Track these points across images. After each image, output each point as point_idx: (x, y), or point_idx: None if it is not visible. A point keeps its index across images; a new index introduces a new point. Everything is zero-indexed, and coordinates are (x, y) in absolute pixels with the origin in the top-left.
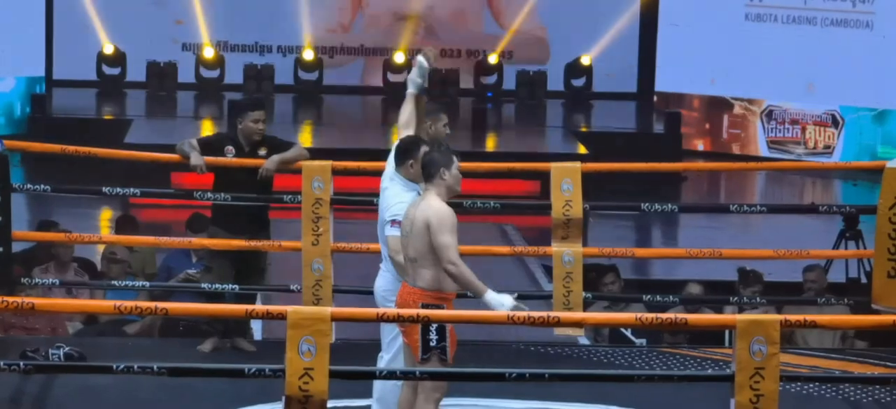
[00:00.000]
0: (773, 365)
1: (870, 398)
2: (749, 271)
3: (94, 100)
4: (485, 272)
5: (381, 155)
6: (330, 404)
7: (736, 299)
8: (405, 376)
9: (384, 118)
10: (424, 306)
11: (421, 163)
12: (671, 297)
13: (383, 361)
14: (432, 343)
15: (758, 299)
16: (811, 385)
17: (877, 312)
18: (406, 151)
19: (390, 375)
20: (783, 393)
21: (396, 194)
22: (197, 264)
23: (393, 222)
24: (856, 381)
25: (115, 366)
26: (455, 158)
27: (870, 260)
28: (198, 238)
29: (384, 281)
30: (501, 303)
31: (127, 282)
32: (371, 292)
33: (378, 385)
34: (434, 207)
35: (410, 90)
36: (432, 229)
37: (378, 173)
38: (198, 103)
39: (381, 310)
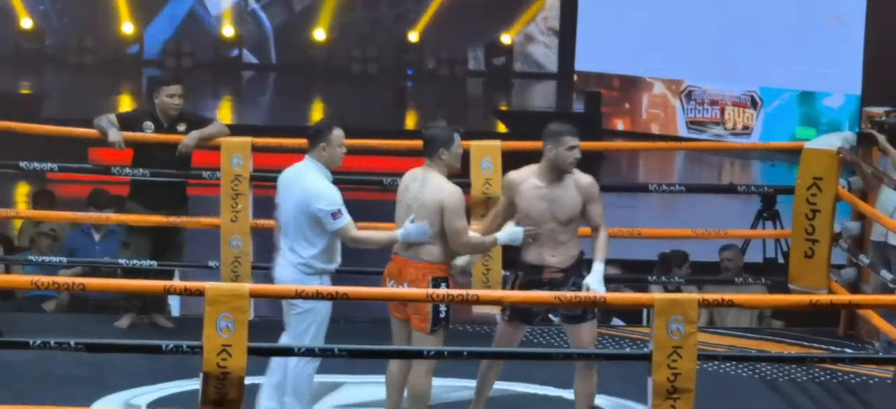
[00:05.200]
0: (691, 344)
1: (786, 378)
2: (675, 252)
3: (11, 75)
4: None
5: (301, 132)
6: (248, 380)
7: (654, 278)
8: (324, 353)
9: (304, 95)
10: (434, 279)
11: (424, 139)
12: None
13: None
14: (442, 315)
15: (677, 279)
16: (728, 364)
17: (793, 291)
18: (319, 133)
19: (309, 351)
20: (700, 372)
21: (315, 181)
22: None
23: (335, 213)
24: (772, 360)
25: (31, 342)
26: (457, 137)
27: (787, 240)
28: (115, 214)
29: (286, 274)
30: (514, 236)
31: (45, 258)
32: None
33: (291, 378)
34: (446, 189)
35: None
36: (447, 212)
37: (299, 151)
38: (116, 79)
39: (299, 286)
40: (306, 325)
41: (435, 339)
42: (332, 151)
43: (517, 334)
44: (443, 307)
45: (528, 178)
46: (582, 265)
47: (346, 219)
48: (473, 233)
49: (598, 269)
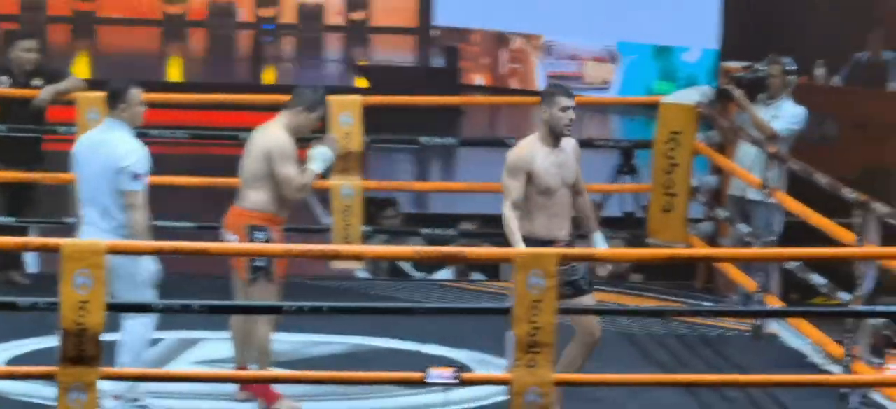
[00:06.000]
0: (550, 298)
1: (645, 331)
2: None
3: None
4: None
5: (157, 87)
6: (107, 337)
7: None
8: (167, 309)
9: (160, 50)
10: (250, 228)
11: (294, 92)
12: (450, 230)
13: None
14: (258, 264)
15: None
16: None
17: (652, 245)
18: (117, 94)
19: (168, 308)
20: (561, 326)
21: (124, 140)
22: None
23: (135, 175)
24: (631, 314)
25: None
26: (320, 110)
27: (646, 194)
28: None
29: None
30: (325, 156)
31: None
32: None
33: (127, 343)
34: (275, 136)
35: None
36: (273, 158)
37: (153, 106)
38: None
39: (158, 243)
40: (132, 288)
41: (257, 289)
42: (132, 110)
43: None
44: (259, 257)
45: (535, 148)
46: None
47: (142, 185)
48: (308, 184)
49: (601, 235)
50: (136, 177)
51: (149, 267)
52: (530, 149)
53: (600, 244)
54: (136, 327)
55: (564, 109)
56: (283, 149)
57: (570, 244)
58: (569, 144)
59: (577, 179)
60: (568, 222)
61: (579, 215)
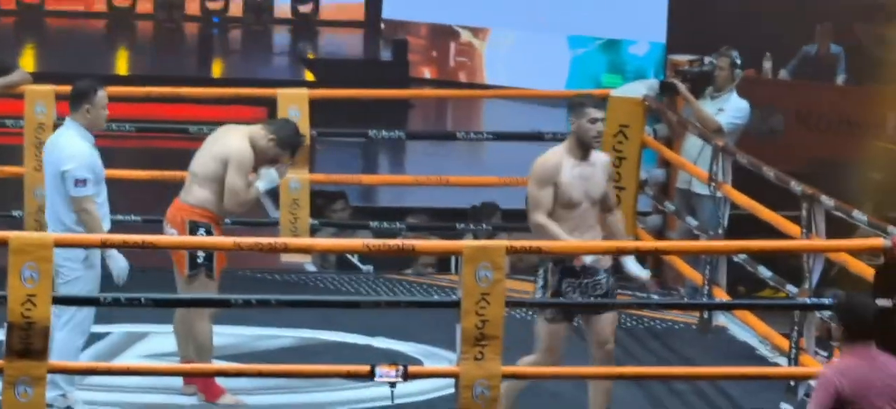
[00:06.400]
0: (499, 291)
1: None
2: (485, 204)
3: None
4: None
5: (104, 80)
6: None
7: (463, 226)
8: (129, 302)
9: (108, 44)
10: (191, 223)
11: (278, 119)
12: (398, 223)
13: (60, 324)
14: (199, 260)
15: (486, 227)
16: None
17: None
18: (83, 95)
19: (115, 302)
20: (509, 319)
21: (71, 143)
22: None
23: (76, 181)
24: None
25: None
26: (287, 152)
27: None
28: None
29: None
30: (272, 178)
31: None
32: None
33: (57, 351)
34: (238, 144)
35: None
36: (230, 166)
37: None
38: None
39: (106, 236)
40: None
41: (195, 284)
42: (97, 113)
43: (562, 332)
44: (200, 252)
45: (563, 158)
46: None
47: (86, 191)
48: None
49: (633, 260)
50: (78, 182)
51: (90, 278)
52: (557, 159)
53: (632, 269)
54: (64, 341)
55: (593, 120)
56: (241, 160)
57: (596, 262)
58: (599, 159)
59: (607, 196)
60: (593, 235)
61: (608, 235)
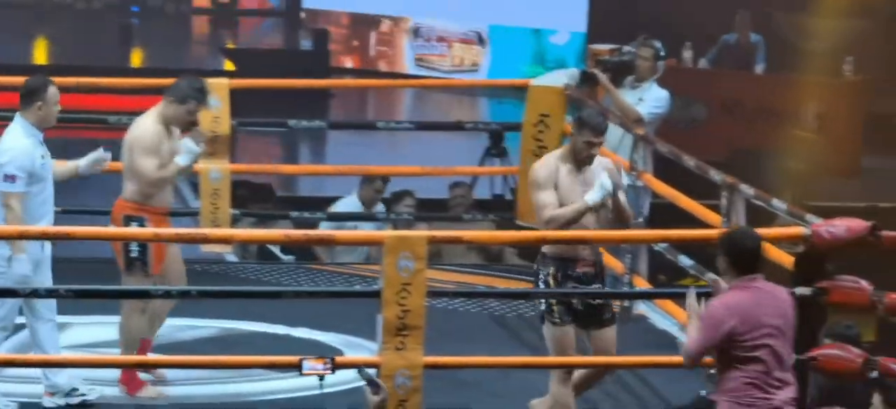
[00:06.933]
0: (420, 281)
1: (514, 313)
2: (397, 191)
3: None
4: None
5: (23, 70)
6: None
7: (383, 214)
8: (50, 294)
9: (26, 30)
10: (126, 218)
11: (175, 83)
12: (319, 213)
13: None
14: (133, 255)
15: (405, 214)
16: (457, 301)
17: (521, 228)
18: (34, 91)
19: (34, 293)
20: (430, 309)
21: (13, 138)
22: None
23: (6, 176)
24: (500, 296)
25: None
26: (190, 103)
27: (515, 177)
28: None
29: None
30: (189, 159)
31: None
32: None
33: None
34: (142, 127)
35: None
36: (133, 151)
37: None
38: None
39: (22, 227)
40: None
41: (132, 279)
42: (48, 110)
43: (571, 335)
44: (133, 247)
45: (559, 163)
46: (604, 266)
47: (14, 188)
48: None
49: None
50: (7, 177)
51: (15, 273)
52: (554, 163)
53: (605, 183)
54: (44, 331)
55: (588, 143)
56: (142, 140)
57: (597, 266)
58: (601, 163)
59: (616, 202)
60: (594, 245)
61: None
